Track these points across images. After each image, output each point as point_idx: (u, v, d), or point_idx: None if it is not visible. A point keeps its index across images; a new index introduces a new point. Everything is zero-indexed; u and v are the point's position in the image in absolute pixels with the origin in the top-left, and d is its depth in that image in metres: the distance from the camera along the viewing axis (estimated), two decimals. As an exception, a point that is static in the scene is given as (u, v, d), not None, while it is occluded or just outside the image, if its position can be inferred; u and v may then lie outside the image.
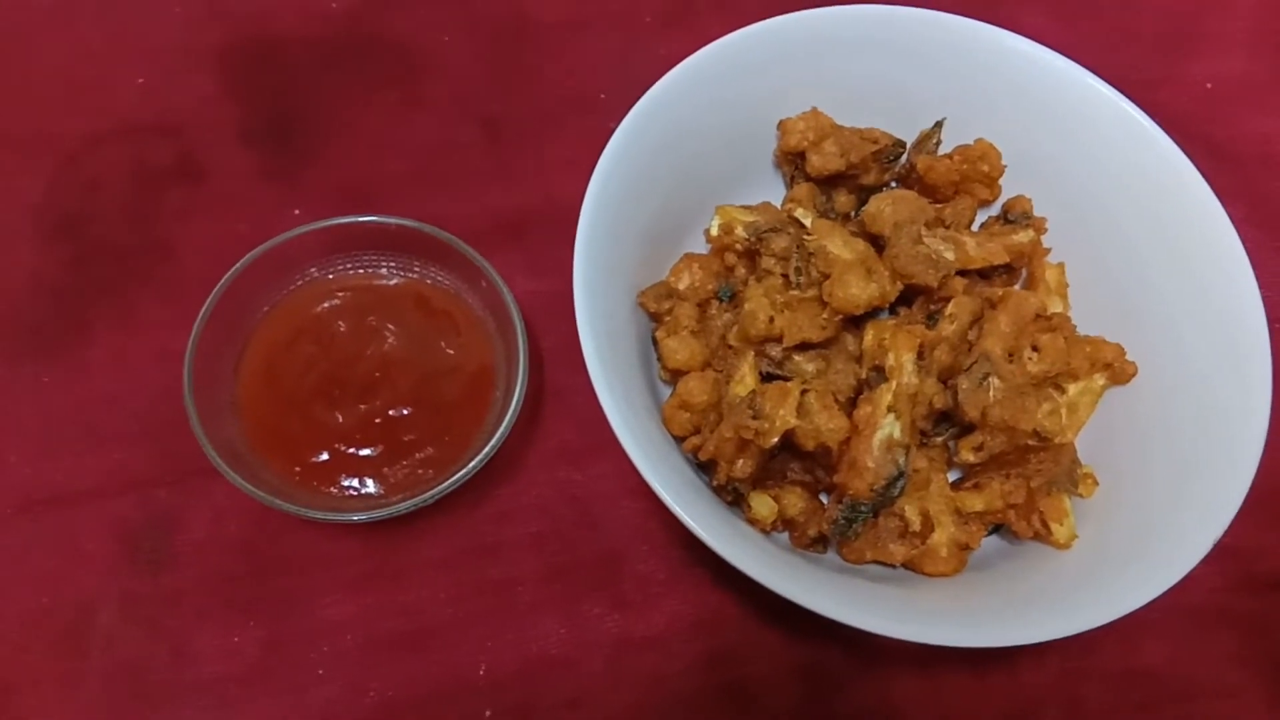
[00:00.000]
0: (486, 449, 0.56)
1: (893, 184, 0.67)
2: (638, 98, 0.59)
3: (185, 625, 0.58)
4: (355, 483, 0.58)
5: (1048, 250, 0.64)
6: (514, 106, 0.75)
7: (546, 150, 0.74)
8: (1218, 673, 0.62)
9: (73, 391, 0.63)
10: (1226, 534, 0.52)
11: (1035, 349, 0.57)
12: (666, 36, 0.79)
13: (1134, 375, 0.60)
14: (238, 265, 0.59)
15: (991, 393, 0.54)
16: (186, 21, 0.76)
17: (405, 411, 0.59)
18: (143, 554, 0.60)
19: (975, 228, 0.66)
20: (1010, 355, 0.56)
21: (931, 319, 0.59)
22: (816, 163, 0.63)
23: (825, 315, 0.57)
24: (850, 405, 0.57)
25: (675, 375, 0.59)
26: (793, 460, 0.58)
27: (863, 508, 0.54)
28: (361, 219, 0.61)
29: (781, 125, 0.65)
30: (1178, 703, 0.61)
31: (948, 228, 0.62)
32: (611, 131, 0.58)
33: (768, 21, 0.61)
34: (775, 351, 0.58)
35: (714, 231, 0.62)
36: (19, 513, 0.60)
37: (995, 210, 0.66)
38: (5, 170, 0.70)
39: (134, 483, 0.61)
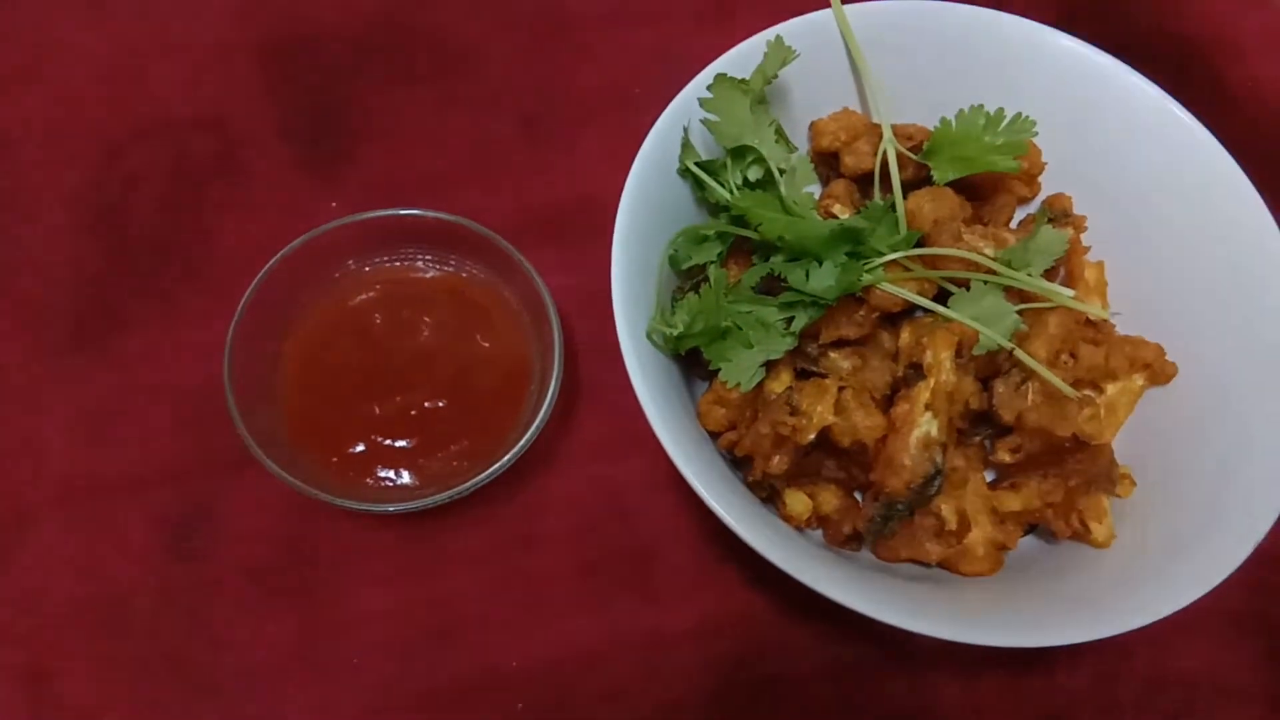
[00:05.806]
0: (522, 442, 0.57)
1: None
2: (674, 93, 0.59)
3: (223, 614, 0.59)
4: (391, 474, 0.58)
5: (1087, 248, 0.63)
6: (550, 101, 0.75)
7: (581, 145, 0.74)
8: (1252, 678, 0.61)
9: (113, 382, 0.64)
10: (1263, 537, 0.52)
11: (1073, 355, 0.56)
12: (703, 31, 0.78)
13: (1174, 375, 0.59)
14: (277, 257, 0.59)
15: (1030, 397, 0.54)
16: (226, 16, 0.76)
17: (441, 404, 0.60)
18: (181, 543, 0.60)
19: (1014, 225, 0.65)
20: (1053, 359, 0.56)
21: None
22: (850, 163, 0.63)
23: (862, 312, 0.57)
24: (885, 403, 0.57)
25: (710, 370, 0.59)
26: (827, 457, 0.58)
27: (899, 506, 0.54)
28: (399, 212, 0.61)
29: (813, 127, 0.64)
30: (1211, 707, 0.60)
31: (986, 225, 0.61)
32: (647, 127, 0.58)
33: (806, 16, 0.61)
34: (811, 348, 0.58)
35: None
36: (60, 502, 0.61)
37: (1034, 208, 0.66)
38: (47, 163, 0.71)
39: (173, 472, 0.62)
